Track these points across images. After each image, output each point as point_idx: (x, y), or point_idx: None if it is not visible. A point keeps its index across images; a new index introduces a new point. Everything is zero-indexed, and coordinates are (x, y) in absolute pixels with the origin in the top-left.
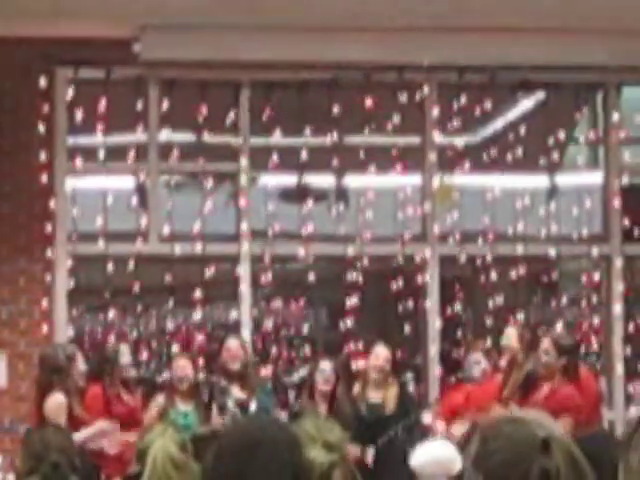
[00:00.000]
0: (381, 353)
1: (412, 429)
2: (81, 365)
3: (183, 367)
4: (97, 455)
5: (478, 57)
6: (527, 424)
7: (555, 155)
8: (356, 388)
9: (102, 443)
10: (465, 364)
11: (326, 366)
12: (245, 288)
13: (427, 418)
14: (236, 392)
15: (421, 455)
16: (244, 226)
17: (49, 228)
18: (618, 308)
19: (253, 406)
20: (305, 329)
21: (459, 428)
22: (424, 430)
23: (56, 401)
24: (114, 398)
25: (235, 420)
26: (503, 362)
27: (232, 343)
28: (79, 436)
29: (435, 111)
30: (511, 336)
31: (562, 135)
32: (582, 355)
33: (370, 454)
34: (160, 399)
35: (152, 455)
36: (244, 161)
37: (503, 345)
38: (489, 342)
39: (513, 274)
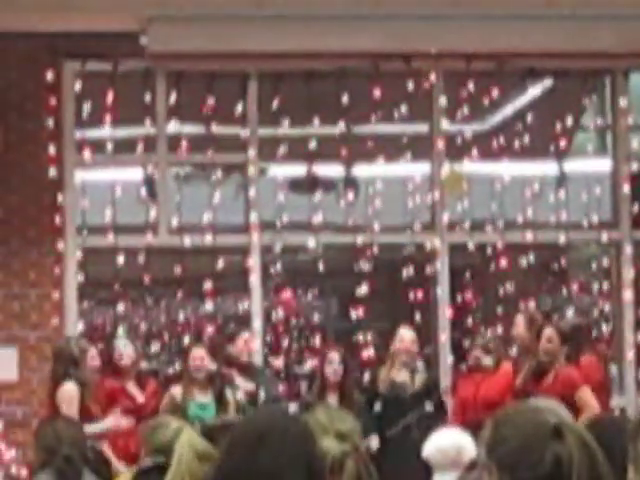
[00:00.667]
0: (406, 335)
1: (427, 418)
2: (95, 361)
3: (200, 358)
4: (113, 444)
5: (485, 45)
6: (539, 411)
7: (563, 142)
8: (383, 371)
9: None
10: (472, 356)
11: (334, 357)
12: (255, 279)
13: (429, 406)
14: (242, 383)
15: (430, 445)
16: (253, 217)
17: (58, 221)
18: (628, 294)
19: (262, 395)
20: (316, 319)
21: None
22: (438, 420)
23: (68, 390)
24: (119, 392)
25: (245, 412)
26: (514, 350)
27: (246, 336)
28: (91, 430)
29: (443, 99)
30: (519, 325)
31: (570, 122)
32: (587, 340)
33: (374, 441)
34: (176, 391)
35: (178, 451)
36: (253, 152)
37: (513, 335)
38: (499, 330)
39: (523, 261)
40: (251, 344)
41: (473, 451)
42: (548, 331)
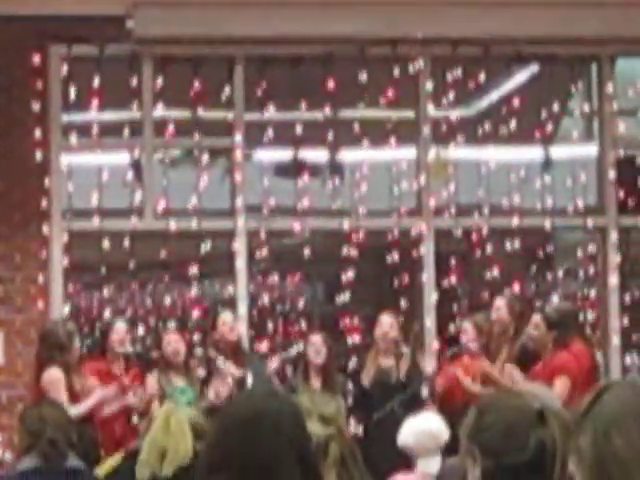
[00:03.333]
0: (384, 321)
1: (410, 404)
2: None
3: (175, 342)
4: (99, 428)
5: (472, 30)
6: (522, 396)
7: (550, 127)
8: (369, 357)
9: (112, 406)
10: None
11: (317, 340)
12: (241, 263)
13: (424, 392)
14: (232, 368)
15: (414, 431)
16: (239, 201)
17: (44, 205)
18: (614, 280)
19: (249, 380)
20: (301, 304)
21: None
22: (422, 405)
23: (53, 376)
24: (104, 373)
25: (237, 394)
26: (495, 330)
27: (228, 317)
28: (81, 408)
29: (429, 84)
30: (501, 308)
31: (557, 107)
32: (576, 325)
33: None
34: (153, 377)
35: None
36: (239, 136)
37: (493, 318)
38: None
39: (508, 247)
40: (230, 324)
41: (447, 433)
42: (535, 318)
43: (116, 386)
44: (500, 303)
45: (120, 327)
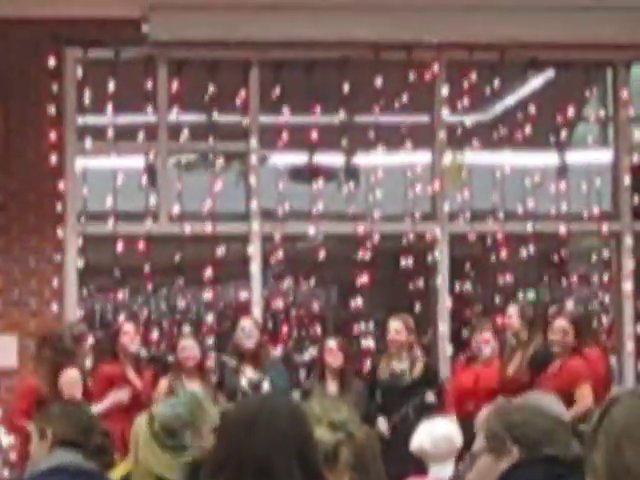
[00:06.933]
0: (392, 326)
1: (423, 409)
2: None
3: (190, 347)
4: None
5: (488, 35)
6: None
7: (565, 133)
8: (383, 360)
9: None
10: (473, 344)
11: (333, 344)
12: (255, 267)
13: (431, 397)
14: (249, 372)
15: (430, 435)
16: (254, 205)
17: (59, 208)
18: (628, 286)
19: (266, 386)
20: (315, 308)
21: None
22: (435, 410)
23: (71, 377)
24: (118, 377)
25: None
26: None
27: (247, 322)
28: (96, 410)
29: (444, 89)
30: (513, 315)
31: (572, 113)
32: (590, 331)
33: (382, 424)
34: (165, 380)
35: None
36: (254, 140)
37: (505, 324)
38: (498, 321)
39: (523, 252)
40: (248, 330)
41: (461, 440)
42: (562, 324)
43: (128, 390)
44: (512, 310)
45: (128, 328)
